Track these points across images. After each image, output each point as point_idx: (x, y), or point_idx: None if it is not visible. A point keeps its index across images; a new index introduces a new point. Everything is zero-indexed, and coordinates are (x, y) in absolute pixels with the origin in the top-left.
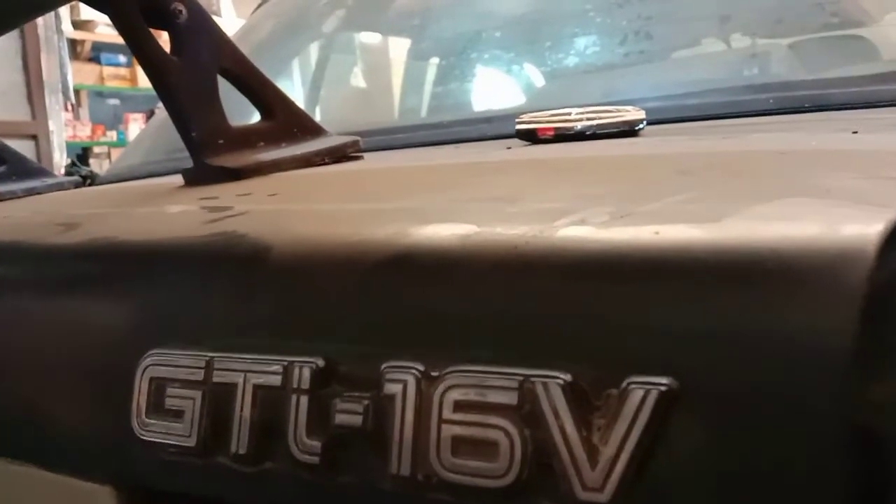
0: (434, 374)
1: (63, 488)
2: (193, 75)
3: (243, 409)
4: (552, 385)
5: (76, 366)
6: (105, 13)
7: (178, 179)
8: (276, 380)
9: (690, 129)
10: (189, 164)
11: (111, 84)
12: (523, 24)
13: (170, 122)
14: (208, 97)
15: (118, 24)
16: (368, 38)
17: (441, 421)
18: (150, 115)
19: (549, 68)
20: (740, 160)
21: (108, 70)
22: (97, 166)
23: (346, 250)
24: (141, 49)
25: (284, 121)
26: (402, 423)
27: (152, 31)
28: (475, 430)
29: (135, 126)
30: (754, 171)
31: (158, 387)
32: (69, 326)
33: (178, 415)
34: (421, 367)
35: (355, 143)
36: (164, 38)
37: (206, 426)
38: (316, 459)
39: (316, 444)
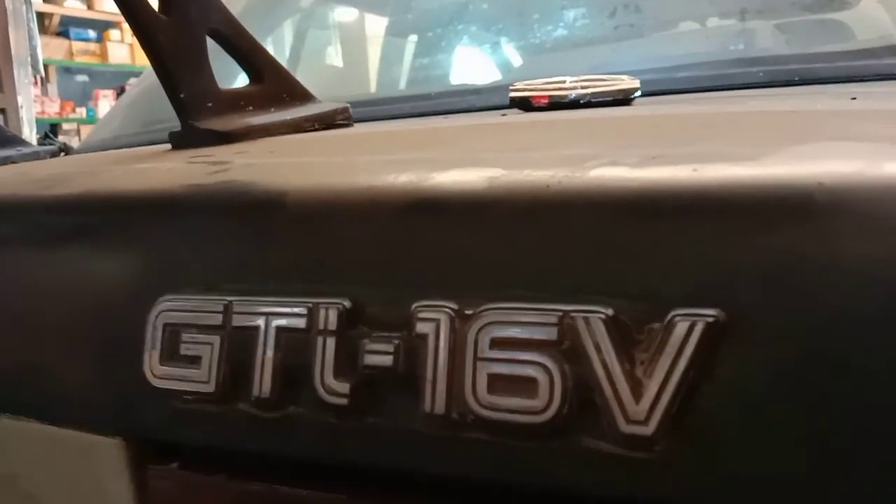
0: (468, 312)
1: (69, 443)
2: (182, 35)
3: (265, 352)
4: (594, 320)
5: (82, 315)
6: None
7: (163, 147)
8: (300, 322)
9: (685, 99)
10: (165, 134)
11: (80, 59)
12: None
13: (146, 93)
14: (197, 58)
15: None
16: (350, 10)
17: (477, 359)
18: (120, 91)
19: (538, 41)
20: (756, 117)
21: (77, 45)
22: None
23: (371, 193)
24: (128, 6)
25: (274, 85)
26: (435, 362)
27: None
28: (513, 367)
29: (105, 103)
30: (774, 125)
31: (173, 333)
32: (75, 276)
33: (194, 361)
34: (454, 306)
35: (345, 110)
36: None
37: (226, 371)
38: (344, 401)
39: (344, 385)
